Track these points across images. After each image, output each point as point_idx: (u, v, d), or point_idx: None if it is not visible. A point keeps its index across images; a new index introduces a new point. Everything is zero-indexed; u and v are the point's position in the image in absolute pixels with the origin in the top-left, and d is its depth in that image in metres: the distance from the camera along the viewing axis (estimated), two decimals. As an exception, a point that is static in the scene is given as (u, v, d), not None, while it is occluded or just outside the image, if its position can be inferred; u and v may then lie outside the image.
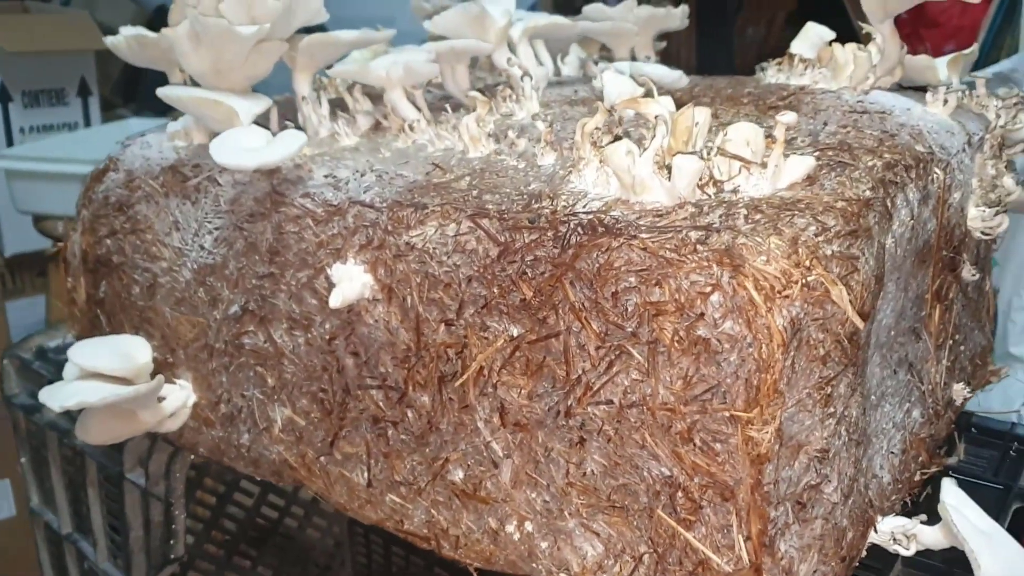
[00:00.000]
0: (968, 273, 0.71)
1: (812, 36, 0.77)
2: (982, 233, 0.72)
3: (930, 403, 0.68)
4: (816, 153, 0.58)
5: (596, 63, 0.85)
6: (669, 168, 0.55)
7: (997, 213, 0.69)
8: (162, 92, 0.71)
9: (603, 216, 0.54)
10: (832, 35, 0.77)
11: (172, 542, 0.86)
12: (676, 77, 0.68)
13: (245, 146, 0.67)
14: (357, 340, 0.65)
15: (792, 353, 0.49)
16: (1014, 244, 1.57)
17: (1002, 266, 1.52)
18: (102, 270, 0.81)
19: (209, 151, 0.67)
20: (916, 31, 2.17)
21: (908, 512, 0.65)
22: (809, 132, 0.62)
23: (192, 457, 0.84)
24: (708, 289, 0.49)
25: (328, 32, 0.78)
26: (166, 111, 0.96)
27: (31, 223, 1.73)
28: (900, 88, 0.78)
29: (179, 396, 0.76)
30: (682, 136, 0.57)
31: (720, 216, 0.51)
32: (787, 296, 0.48)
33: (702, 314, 0.49)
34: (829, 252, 0.50)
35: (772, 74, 0.78)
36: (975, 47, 0.84)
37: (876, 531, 0.60)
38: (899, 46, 0.75)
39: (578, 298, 0.53)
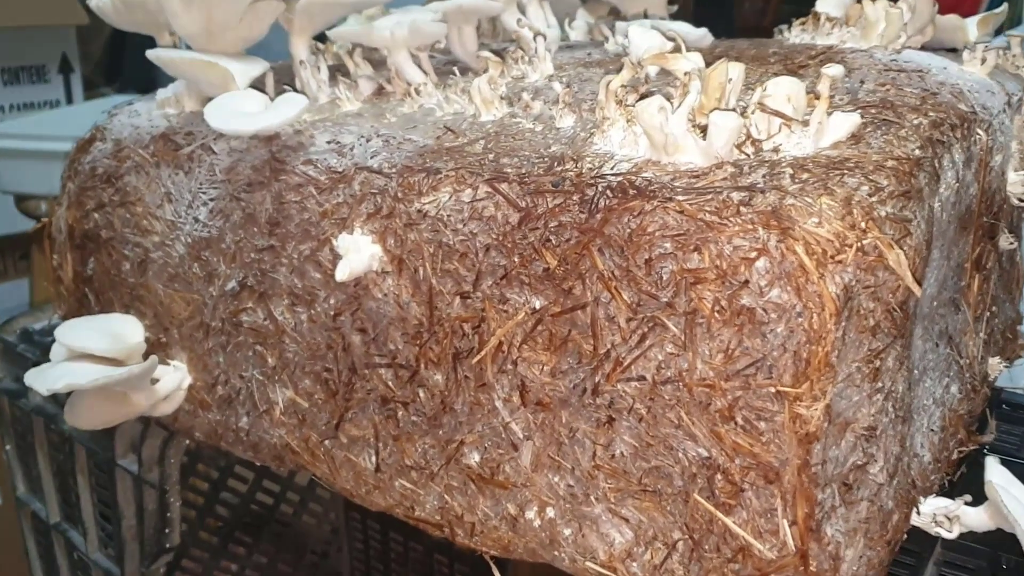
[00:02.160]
0: (1005, 241, 0.68)
1: (838, -6, 0.73)
2: (1019, 200, 0.68)
3: (968, 378, 0.65)
4: (858, 111, 0.54)
5: (610, 27, 0.81)
6: (702, 128, 0.52)
7: (1038, 177, 0.65)
8: (152, 54, 0.66)
9: (634, 178, 0.50)
10: (859, -8, 0.73)
11: (167, 531, 0.83)
12: (700, 35, 0.64)
13: (242, 110, 0.63)
14: (364, 316, 0.61)
15: (843, 324, 0.45)
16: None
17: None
18: (90, 246, 0.76)
19: (204, 116, 0.63)
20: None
21: (946, 492, 0.61)
22: (847, 90, 0.59)
23: (187, 442, 0.80)
24: (753, 254, 0.45)
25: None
26: (150, 90, 0.91)
27: (12, 204, 1.68)
28: (928, 50, 0.74)
29: (173, 378, 0.72)
30: (715, 93, 0.53)
31: (763, 176, 0.47)
32: (840, 261, 0.44)
33: (746, 281, 0.45)
34: (883, 214, 0.46)
35: (796, 34, 0.75)
36: (1005, 6, 0.80)
37: (918, 513, 0.57)
38: (931, 3, 0.71)
39: (607, 266, 0.50)
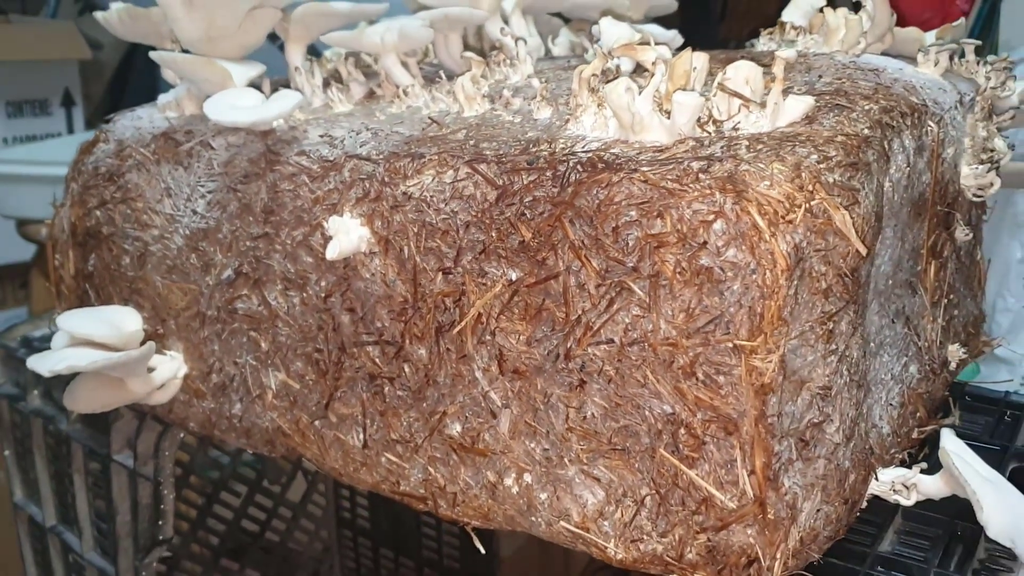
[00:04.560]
0: (961, 233, 0.72)
1: (803, 4, 0.78)
2: (974, 195, 0.72)
3: (927, 360, 0.68)
4: (814, 98, 0.58)
5: (590, 38, 0.85)
6: (668, 113, 0.55)
7: (989, 170, 0.69)
8: (156, 55, 0.70)
9: (603, 154, 0.54)
10: (823, 2, 0.77)
11: (160, 523, 0.85)
12: (671, 36, 0.69)
13: (239, 104, 0.67)
14: (353, 296, 0.64)
15: (795, 283, 0.49)
16: (997, 246, 1.58)
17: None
18: (91, 243, 0.80)
19: (203, 111, 0.67)
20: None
21: (907, 468, 0.64)
22: (805, 83, 0.63)
23: (182, 435, 0.83)
24: (711, 217, 0.49)
25: (322, 2, 0.78)
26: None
27: (13, 232, 1.72)
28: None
29: (169, 367, 0.75)
30: (680, 80, 0.57)
31: (721, 148, 0.51)
32: (791, 221, 0.48)
33: (704, 243, 0.49)
34: (831, 180, 0.50)
35: (764, 43, 0.79)
36: (962, 20, 0.85)
37: (877, 479, 0.60)
38: (889, 13, 0.76)
39: (578, 236, 0.53)
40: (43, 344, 1.03)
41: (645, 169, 0.51)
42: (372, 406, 0.65)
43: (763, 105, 0.55)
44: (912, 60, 0.77)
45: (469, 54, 0.70)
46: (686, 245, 0.49)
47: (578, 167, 0.54)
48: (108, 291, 0.80)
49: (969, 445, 0.72)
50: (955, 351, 0.72)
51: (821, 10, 0.76)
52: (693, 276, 0.49)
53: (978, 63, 0.76)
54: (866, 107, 0.58)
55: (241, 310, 0.71)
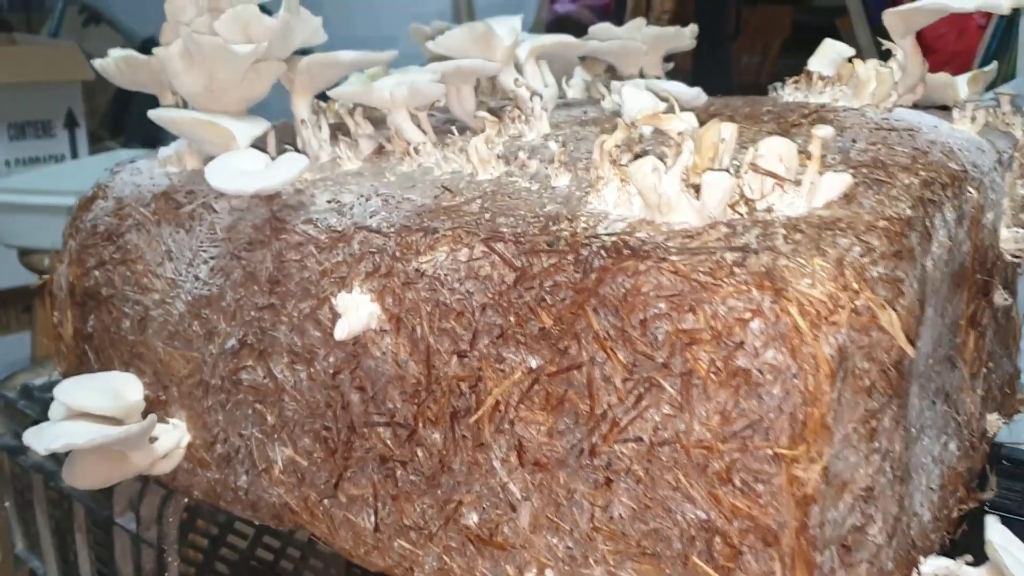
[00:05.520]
0: (1000, 298, 0.68)
1: (831, 53, 0.74)
2: (1013, 256, 0.69)
3: (966, 435, 0.65)
4: (850, 171, 0.55)
5: (606, 85, 0.82)
6: (695, 187, 0.52)
7: (1032, 233, 0.65)
8: (154, 114, 0.67)
9: (628, 238, 0.50)
10: (851, 52, 0.74)
11: (164, 589, 0.82)
12: (694, 94, 0.65)
13: (243, 169, 0.64)
14: (363, 374, 0.61)
15: (839, 385, 0.45)
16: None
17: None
18: (90, 303, 0.77)
19: (204, 175, 0.64)
20: (911, 57, 2.16)
21: (947, 552, 0.61)
22: (839, 149, 0.59)
23: (186, 500, 0.80)
24: (748, 315, 0.45)
25: (328, 53, 0.75)
26: (155, 144, 0.92)
27: (14, 257, 1.69)
28: (919, 108, 0.75)
29: (172, 436, 0.72)
30: (708, 153, 0.54)
31: (757, 236, 0.48)
32: (834, 322, 0.44)
33: (741, 343, 0.45)
34: (875, 274, 0.46)
35: (789, 92, 0.76)
36: (995, 64, 0.82)
37: (919, 573, 0.56)
38: (921, 63, 0.72)
39: (602, 326, 0.50)
40: (43, 394, 1.00)
41: (675, 258, 0.48)
42: (384, 489, 0.62)
43: (798, 183, 0.52)
44: (945, 109, 0.73)
45: (484, 114, 0.67)
46: (721, 344, 0.46)
47: (602, 252, 0.50)
48: (108, 354, 0.77)
49: (1008, 519, 0.68)
50: (994, 421, 0.69)
51: (850, 60, 0.73)
52: (729, 377, 0.46)
53: (1015, 114, 0.73)
54: (906, 181, 0.55)
55: (246, 381, 0.67)
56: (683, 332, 0.47)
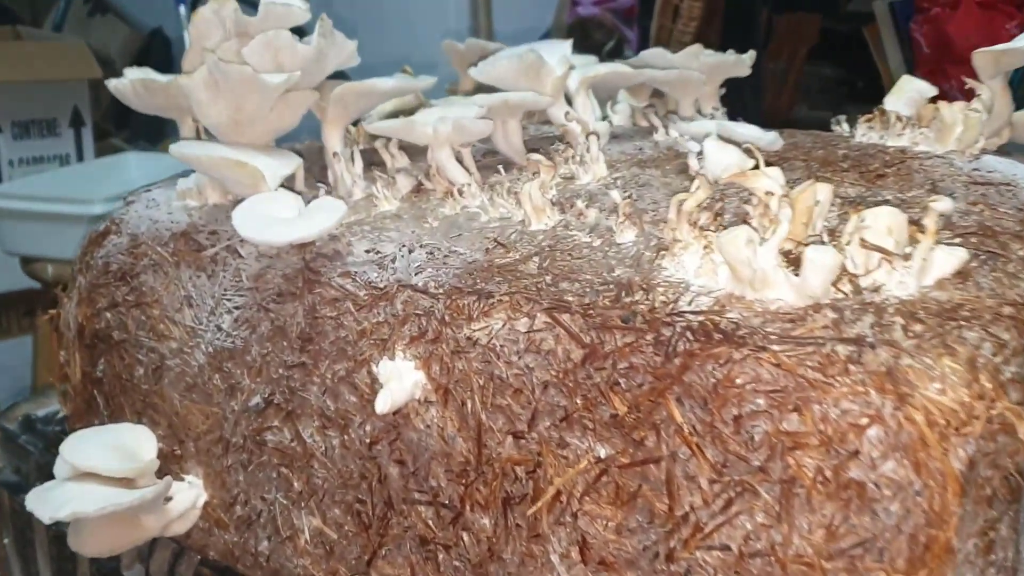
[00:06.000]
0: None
1: (909, 91, 0.69)
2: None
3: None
4: (957, 239, 0.49)
5: (658, 115, 0.76)
6: (785, 253, 0.46)
7: None
8: (175, 150, 0.61)
9: (718, 318, 0.45)
10: (934, 91, 0.68)
11: (174, 651, 0.76)
12: (771, 139, 0.59)
13: (274, 216, 0.58)
14: (404, 447, 0.55)
15: (966, 503, 0.39)
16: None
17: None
18: (100, 346, 0.71)
19: (231, 219, 0.58)
20: (941, 67, 2.10)
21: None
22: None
23: (199, 558, 0.74)
24: (864, 421, 0.40)
25: (363, 81, 0.69)
26: (161, 139, 0.86)
27: (17, 261, 1.63)
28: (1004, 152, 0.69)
29: (188, 496, 0.66)
30: (802, 218, 0.48)
31: (871, 325, 0.42)
32: (966, 434, 0.38)
33: (856, 452, 0.40)
34: (1008, 375, 0.40)
35: (862, 132, 0.70)
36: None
37: None
38: (1010, 103, 0.67)
39: (687, 419, 0.44)
40: (46, 427, 0.94)
41: (777, 348, 0.42)
42: (423, 571, 0.56)
43: (907, 257, 0.46)
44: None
45: (537, 157, 0.61)
46: (831, 451, 0.40)
47: (688, 334, 0.44)
48: (119, 401, 0.71)
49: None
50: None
51: (933, 100, 0.67)
52: (839, 489, 0.40)
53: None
54: (1020, 253, 0.49)
55: (271, 442, 0.62)
56: (785, 434, 0.41)
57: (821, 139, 0.70)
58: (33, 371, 1.68)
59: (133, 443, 0.66)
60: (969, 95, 0.67)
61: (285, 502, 0.62)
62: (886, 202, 0.55)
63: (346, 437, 0.58)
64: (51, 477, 0.84)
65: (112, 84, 0.74)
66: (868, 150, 0.66)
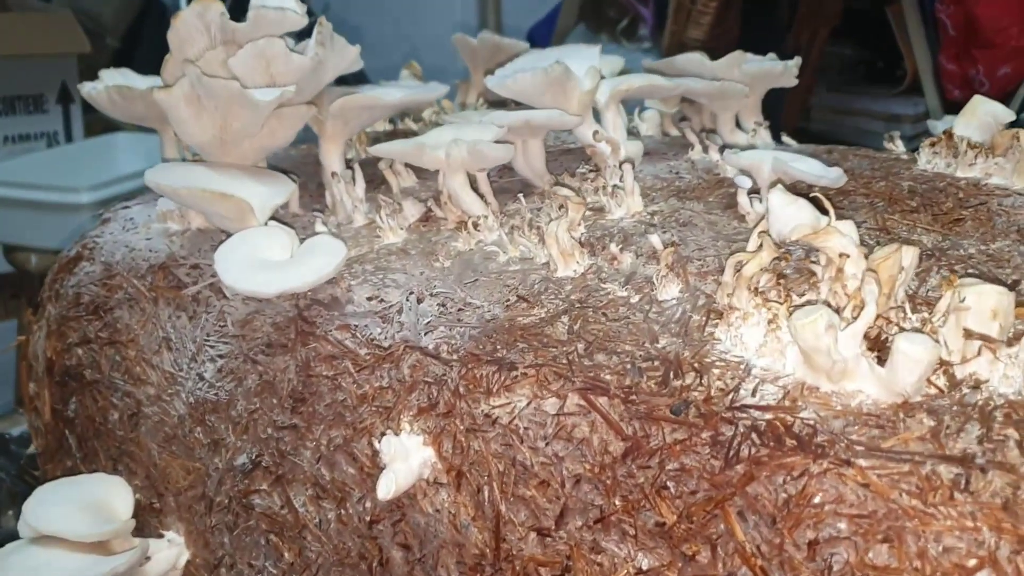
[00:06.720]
0: None
1: (981, 114, 0.61)
2: None
3: None
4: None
5: (693, 130, 0.68)
6: (868, 339, 0.39)
7: None
8: (151, 180, 0.53)
9: (789, 417, 0.37)
10: (1011, 116, 0.60)
11: None
12: (835, 176, 0.52)
13: (262, 260, 0.50)
14: (409, 529, 0.48)
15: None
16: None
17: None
18: (71, 384, 0.64)
19: (214, 266, 0.50)
20: (968, 51, 2.00)
21: None
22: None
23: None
24: (973, 563, 0.33)
25: (366, 92, 0.61)
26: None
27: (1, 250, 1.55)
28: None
29: (168, 555, 0.60)
30: (884, 288, 0.40)
31: (978, 440, 0.35)
32: (1102, 589, 0.31)
33: (962, 601, 0.33)
34: None
35: (926, 158, 0.62)
36: None
37: None
38: (1094, 131, 0.59)
39: (750, 538, 0.37)
40: (21, 449, 0.88)
41: (864, 464, 0.35)
42: (431, 667, 0.49)
43: (1011, 343, 0.38)
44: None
45: (565, 191, 0.53)
46: (930, 597, 0.33)
47: (753, 436, 0.37)
48: (92, 445, 0.64)
49: None
50: None
51: (1010, 125, 0.59)
52: (937, 642, 0.33)
53: None
54: None
55: (259, 507, 0.55)
56: (871, 568, 0.34)
57: (879, 164, 0.63)
58: (20, 316, 1.60)
59: (107, 500, 0.59)
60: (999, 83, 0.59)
61: (275, 572, 0.55)
62: (970, 258, 0.47)
63: (343, 511, 0.51)
64: (23, 502, 0.77)
65: (85, 90, 0.66)
66: (936, 182, 0.58)
